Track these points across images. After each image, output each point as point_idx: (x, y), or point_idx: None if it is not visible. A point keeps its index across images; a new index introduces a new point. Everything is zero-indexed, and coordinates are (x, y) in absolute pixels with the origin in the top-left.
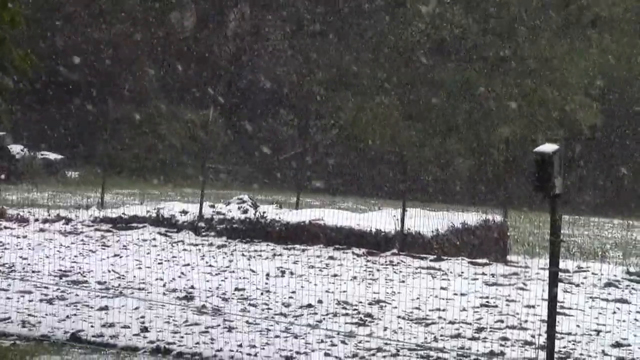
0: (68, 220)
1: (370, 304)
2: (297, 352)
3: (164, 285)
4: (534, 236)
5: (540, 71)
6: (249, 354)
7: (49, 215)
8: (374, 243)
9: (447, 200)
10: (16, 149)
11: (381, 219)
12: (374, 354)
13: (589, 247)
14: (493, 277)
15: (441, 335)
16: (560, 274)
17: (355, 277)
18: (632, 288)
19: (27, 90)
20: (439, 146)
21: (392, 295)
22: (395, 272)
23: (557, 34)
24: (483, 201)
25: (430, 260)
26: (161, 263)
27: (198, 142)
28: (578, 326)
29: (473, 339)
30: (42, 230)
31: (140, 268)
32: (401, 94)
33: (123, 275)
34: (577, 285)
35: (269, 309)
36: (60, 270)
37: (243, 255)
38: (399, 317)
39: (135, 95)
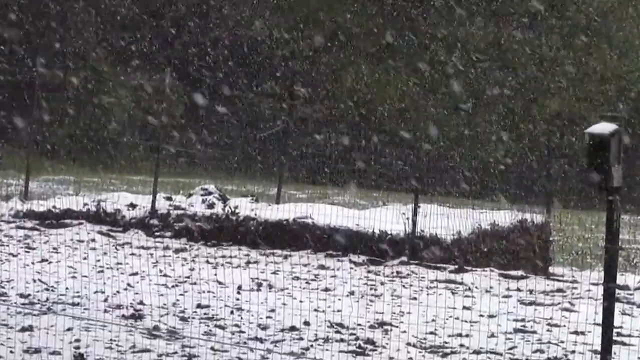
0: None
1: (372, 327)
2: None
3: (106, 300)
4: (584, 242)
5: (593, 30)
6: None
7: None
8: (377, 248)
9: (473, 194)
10: None
11: (387, 217)
12: None
13: None
14: (531, 294)
15: None
16: (618, 291)
17: (352, 292)
18: None
19: None
20: (463, 124)
21: (400, 316)
22: (404, 286)
23: None
24: (519, 196)
25: (450, 272)
26: (102, 271)
27: (151, 116)
28: None
29: None
30: None
31: (74, 277)
32: (414, 57)
33: (53, 287)
34: None
35: (240, 331)
36: None
37: (208, 262)
38: (408, 344)
39: (70, 57)
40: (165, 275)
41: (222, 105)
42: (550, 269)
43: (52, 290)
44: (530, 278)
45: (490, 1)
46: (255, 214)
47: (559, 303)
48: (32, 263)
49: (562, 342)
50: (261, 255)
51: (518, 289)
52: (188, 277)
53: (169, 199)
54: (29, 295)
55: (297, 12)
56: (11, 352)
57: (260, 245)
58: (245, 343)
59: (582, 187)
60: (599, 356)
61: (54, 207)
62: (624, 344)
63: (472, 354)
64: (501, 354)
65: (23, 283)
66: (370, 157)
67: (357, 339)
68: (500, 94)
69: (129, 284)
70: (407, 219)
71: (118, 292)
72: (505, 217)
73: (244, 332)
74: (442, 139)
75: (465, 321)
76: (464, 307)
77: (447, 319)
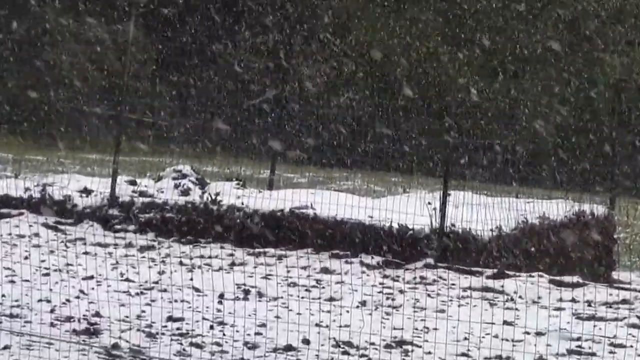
0: None
1: (388, 346)
2: None
3: (52, 311)
4: None
5: None
6: None
7: None
8: (395, 247)
9: (517, 180)
10: None
11: (408, 207)
12: None
13: None
14: (589, 306)
15: None
16: None
17: (364, 303)
18: None
19: None
20: (503, 90)
21: (425, 333)
22: (429, 295)
23: None
24: (575, 181)
25: (488, 277)
26: (48, 274)
27: (110, 77)
28: None
29: None
30: None
31: (13, 282)
32: (444, 6)
33: None
34: None
35: (222, 352)
36: None
37: (182, 263)
38: None
39: (11, 2)
40: (127, 280)
41: (200, 64)
42: (614, 275)
43: None
44: (589, 286)
45: None
46: (242, 203)
47: (625, 318)
48: None
49: None
50: (249, 255)
51: (573, 300)
52: (156, 283)
53: (133, 183)
54: None
55: None
56: None
57: (248, 243)
58: None
59: None
60: None
61: None
62: None
63: None
64: None
65: None
66: (387, 132)
67: None
68: (553, 52)
69: (81, 291)
70: (434, 209)
71: (68, 300)
72: (558, 209)
73: (226, 352)
74: (478, 109)
75: (507, 340)
76: (505, 323)
77: (483, 337)
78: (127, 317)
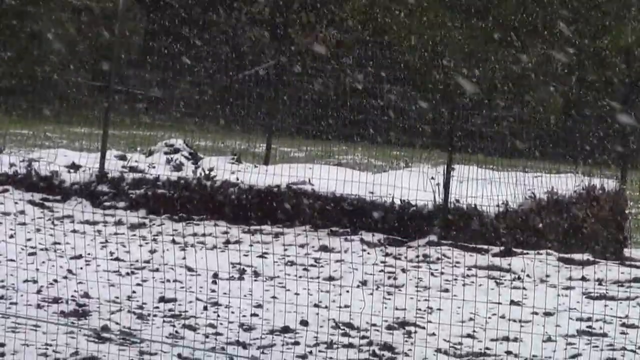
0: None
1: (390, 327)
2: None
3: (39, 292)
4: None
5: None
6: None
7: None
8: (397, 224)
9: (525, 153)
10: None
11: (410, 182)
12: None
13: None
14: (600, 284)
15: None
16: None
17: (364, 282)
18: None
19: None
20: (508, 57)
21: (428, 314)
22: (433, 274)
23: None
24: (586, 154)
25: (494, 255)
26: (34, 253)
27: (99, 48)
28: None
29: None
30: None
31: None
32: None
33: None
34: None
35: (217, 334)
36: None
37: (174, 241)
38: (438, 350)
39: None
40: (117, 259)
41: (193, 33)
42: (626, 252)
43: None
44: (600, 264)
45: None
46: (237, 179)
47: (637, 297)
48: None
49: None
50: (244, 232)
51: (583, 278)
52: (148, 262)
53: (123, 158)
54: None
55: None
56: None
57: (244, 220)
58: (223, 349)
59: None
60: None
61: None
62: None
63: None
64: None
65: None
66: (388, 103)
67: (370, 343)
68: (560, 20)
69: (69, 271)
70: (437, 185)
71: (55, 281)
72: (567, 183)
73: (221, 334)
74: (484, 79)
75: (514, 320)
76: (512, 302)
77: (489, 318)
78: (117, 298)
